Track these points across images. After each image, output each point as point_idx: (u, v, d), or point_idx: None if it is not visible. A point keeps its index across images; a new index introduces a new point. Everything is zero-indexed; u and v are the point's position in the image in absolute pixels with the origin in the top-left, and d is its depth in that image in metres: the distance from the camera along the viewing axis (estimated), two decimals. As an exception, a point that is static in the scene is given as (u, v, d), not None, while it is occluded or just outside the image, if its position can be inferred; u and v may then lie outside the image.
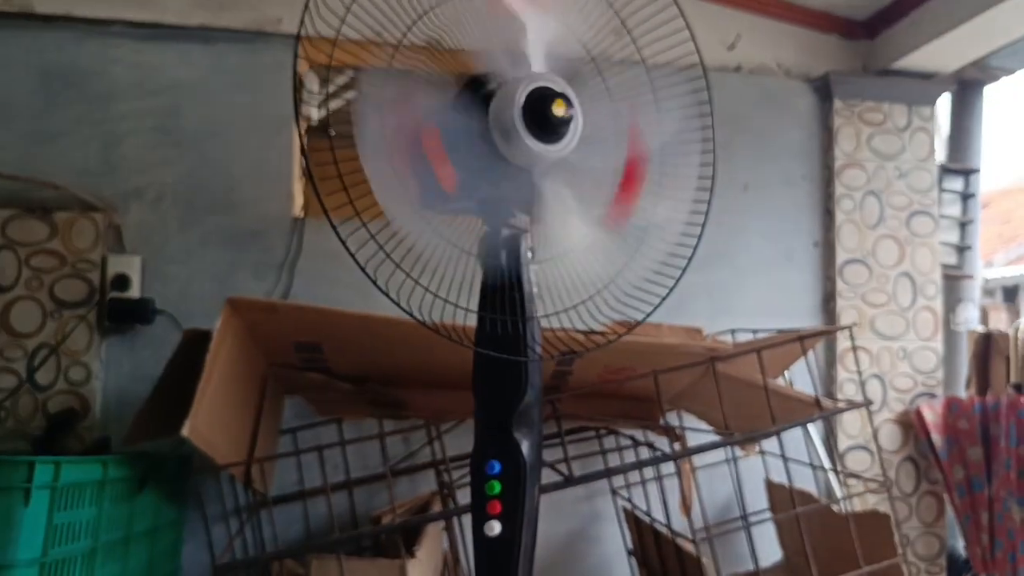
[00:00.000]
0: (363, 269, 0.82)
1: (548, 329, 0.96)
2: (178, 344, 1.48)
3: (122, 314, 1.80)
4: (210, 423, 1.38)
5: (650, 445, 1.69)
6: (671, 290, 0.98)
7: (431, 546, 1.53)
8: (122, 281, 1.80)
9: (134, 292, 1.81)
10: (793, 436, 1.82)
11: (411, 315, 0.85)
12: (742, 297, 2.07)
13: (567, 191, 0.92)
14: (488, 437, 0.91)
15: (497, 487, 0.89)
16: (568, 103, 0.87)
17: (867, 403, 1.58)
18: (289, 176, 1.93)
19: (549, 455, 1.65)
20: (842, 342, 2.11)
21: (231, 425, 1.51)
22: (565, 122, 0.86)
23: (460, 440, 1.73)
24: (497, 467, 0.89)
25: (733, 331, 1.91)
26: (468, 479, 0.92)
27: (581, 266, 0.95)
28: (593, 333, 0.99)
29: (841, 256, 2.13)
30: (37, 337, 1.77)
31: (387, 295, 0.83)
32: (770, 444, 1.78)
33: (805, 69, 2.20)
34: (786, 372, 1.80)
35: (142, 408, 1.48)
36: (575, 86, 0.94)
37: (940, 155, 2.28)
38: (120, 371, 1.82)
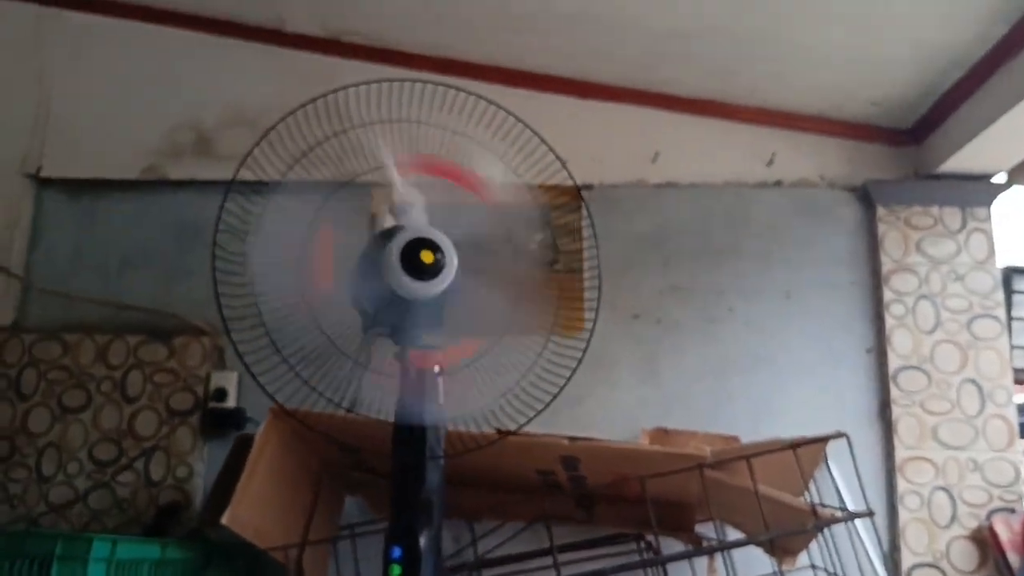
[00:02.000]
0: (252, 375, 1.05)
1: (460, 431, 1.13)
2: (231, 447, 1.77)
3: (220, 421, 2.15)
4: (257, 514, 1.63)
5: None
6: (555, 397, 1.12)
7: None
8: (221, 393, 2.16)
9: (230, 403, 2.16)
10: (845, 550, 1.79)
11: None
12: (786, 403, 2.08)
13: (464, 314, 1.11)
14: (393, 526, 1.08)
15: (397, 570, 1.05)
16: (435, 251, 1.07)
17: (869, 512, 1.54)
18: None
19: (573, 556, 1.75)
20: (901, 451, 2.04)
21: (282, 518, 1.76)
22: (433, 265, 1.06)
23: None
24: (398, 552, 1.06)
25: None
26: None
27: (487, 374, 1.12)
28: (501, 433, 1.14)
29: (895, 362, 2.09)
30: (153, 440, 2.15)
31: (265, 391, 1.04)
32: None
33: (849, 179, 2.24)
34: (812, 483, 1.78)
35: (206, 501, 1.77)
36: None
37: (1006, 256, 2.19)
38: (217, 470, 2.15)
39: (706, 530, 1.87)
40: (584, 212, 1.28)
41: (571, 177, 1.26)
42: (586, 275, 1.22)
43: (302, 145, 1.14)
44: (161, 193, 2.32)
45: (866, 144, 2.25)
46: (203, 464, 2.15)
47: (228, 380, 2.17)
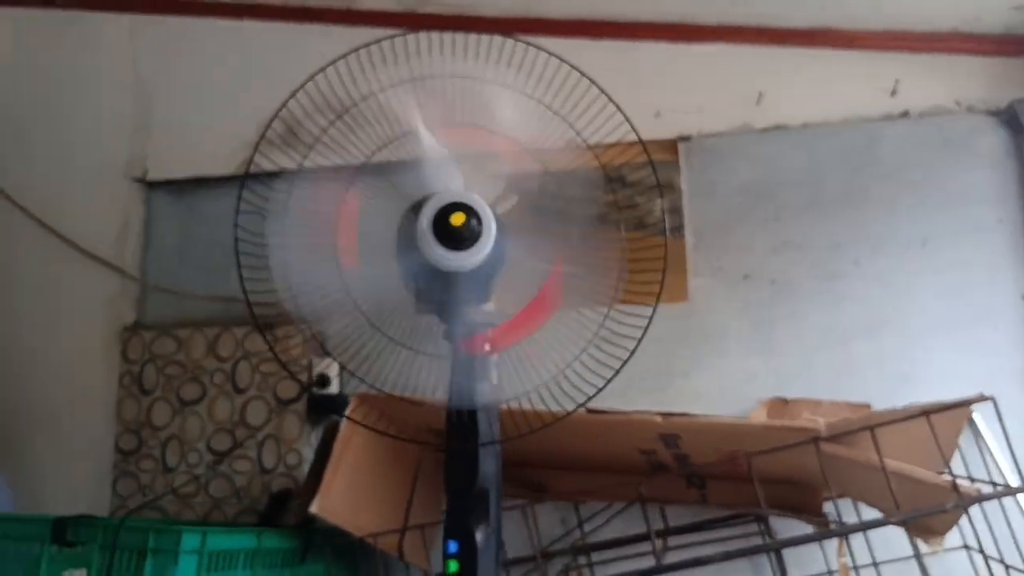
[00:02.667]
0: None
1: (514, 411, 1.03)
2: (322, 434, 1.75)
3: (323, 407, 2.15)
4: (349, 501, 1.62)
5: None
6: (617, 372, 1.00)
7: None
8: (323, 380, 2.17)
9: (333, 389, 2.16)
10: (1002, 533, 1.55)
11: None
12: (923, 366, 1.83)
13: (514, 287, 1.00)
14: (450, 519, 1.00)
15: (454, 566, 0.97)
16: (470, 215, 0.96)
17: (1021, 489, 1.31)
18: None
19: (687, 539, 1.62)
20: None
21: (377, 505, 1.73)
22: (465, 229, 0.96)
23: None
24: (454, 547, 0.97)
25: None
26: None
27: (542, 350, 1.01)
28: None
29: (1059, 310, 1.79)
30: (263, 429, 2.19)
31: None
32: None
33: (991, 101, 1.93)
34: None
35: (302, 490, 1.77)
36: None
37: None
38: (324, 456, 2.17)
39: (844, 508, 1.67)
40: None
41: (634, 131, 1.12)
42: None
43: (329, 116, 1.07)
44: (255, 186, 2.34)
45: (1010, 59, 1.93)
46: (310, 450, 2.16)
47: (330, 367, 2.17)
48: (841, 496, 1.63)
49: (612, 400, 1.83)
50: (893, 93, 1.98)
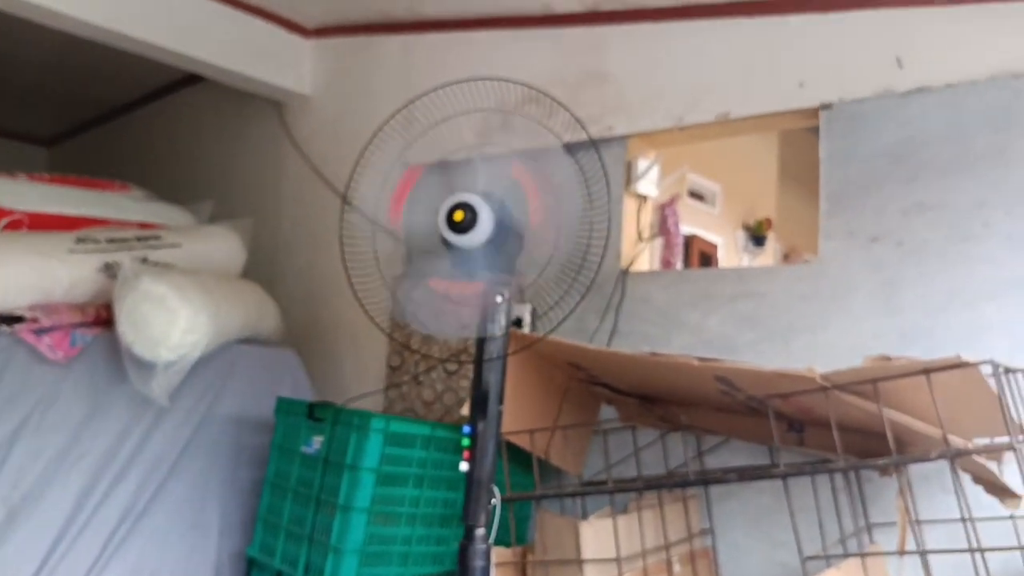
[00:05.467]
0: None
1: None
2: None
3: (520, 343, 2.70)
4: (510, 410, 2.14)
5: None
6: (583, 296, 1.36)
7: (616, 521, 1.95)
8: (518, 322, 2.70)
9: (526, 329, 2.69)
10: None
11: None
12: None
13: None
14: (471, 414, 1.47)
15: (467, 442, 1.44)
16: (467, 211, 1.38)
17: (1012, 447, 1.33)
18: (618, 239, 2.55)
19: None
20: None
21: (528, 416, 2.23)
22: (462, 223, 1.39)
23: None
24: (467, 429, 1.45)
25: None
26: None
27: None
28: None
29: None
30: (477, 356, 2.80)
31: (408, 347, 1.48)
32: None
33: None
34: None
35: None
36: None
37: None
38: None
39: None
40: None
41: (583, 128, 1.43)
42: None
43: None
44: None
45: None
46: (513, 376, 2.73)
47: (524, 311, 2.70)
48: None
49: (744, 351, 2.12)
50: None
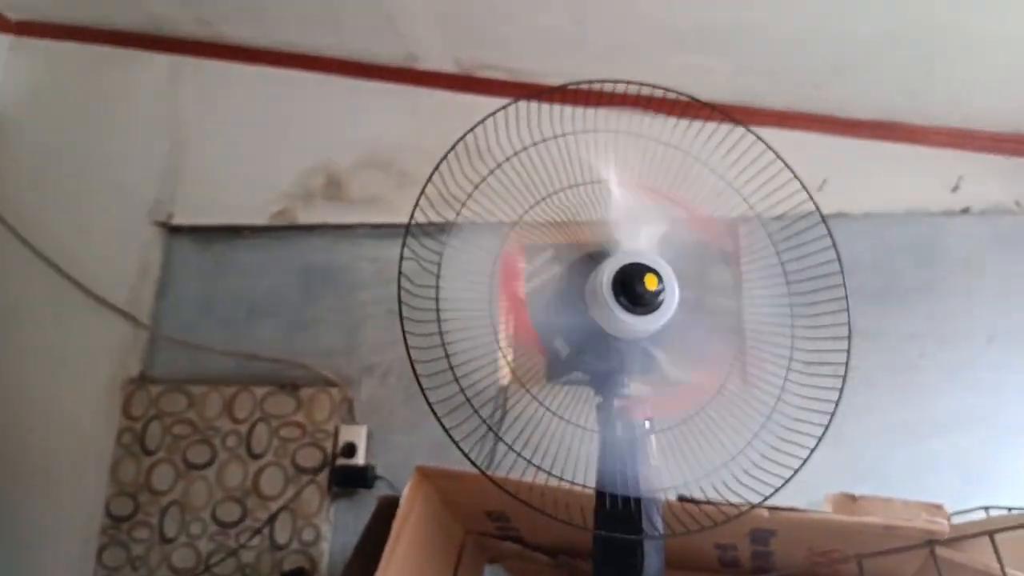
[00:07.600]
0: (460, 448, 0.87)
1: (675, 502, 0.92)
2: (375, 509, 1.59)
3: (348, 479, 1.99)
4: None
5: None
6: (798, 469, 0.89)
7: None
8: (350, 449, 2.01)
9: (359, 459, 2.00)
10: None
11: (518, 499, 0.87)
12: (1001, 468, 1.76)
13: (681, 357, 0.90)
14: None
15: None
16: (660, 278, 0.87)
17: None
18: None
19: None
20: None
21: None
22: (654, 295, 0.86)
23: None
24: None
25: (987, 508, 1.63)
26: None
27: (703, 434, 0.90)
28: (727, 505, 0.92)
29: None
30: (278, 500, 2.00)
31: (484, 473, 0.86)
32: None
33: (1052, 204, 1.94)
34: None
35: (345, 569, 1.59)
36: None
37: None
38: (345, 532, 1.98)
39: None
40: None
41: (817, 208, 1.05)
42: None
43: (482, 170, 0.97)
44: (290, 239, 2.23)
45: (1073, 163, 1.96)
46: (329, 526, 1.99)
47: (358, 435, 2.02)
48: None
49: (729, 496, 1.73)
50: (955, 189, 1.98)
